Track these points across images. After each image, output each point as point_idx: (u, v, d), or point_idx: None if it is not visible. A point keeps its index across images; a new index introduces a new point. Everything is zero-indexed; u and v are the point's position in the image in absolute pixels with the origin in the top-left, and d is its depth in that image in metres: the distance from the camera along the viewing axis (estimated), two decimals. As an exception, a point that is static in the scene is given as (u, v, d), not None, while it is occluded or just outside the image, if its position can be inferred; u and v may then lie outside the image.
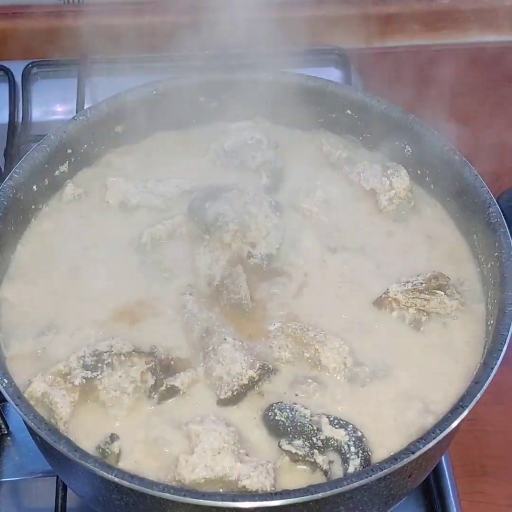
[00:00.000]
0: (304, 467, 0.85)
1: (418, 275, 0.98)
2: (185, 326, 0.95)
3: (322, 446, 0.86)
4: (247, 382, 0.89)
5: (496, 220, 0.97)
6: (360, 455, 0.85)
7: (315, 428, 0.86)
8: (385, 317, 0.96)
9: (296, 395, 0.90)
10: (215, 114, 1.15)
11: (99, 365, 0.89)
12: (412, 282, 0.97)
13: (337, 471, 0.85)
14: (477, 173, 1.01)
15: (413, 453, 0.81)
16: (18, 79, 1.46)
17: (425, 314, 0.96)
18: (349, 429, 0.87)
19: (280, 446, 0.86)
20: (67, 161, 1.07)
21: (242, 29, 1.52)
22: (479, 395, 0.85)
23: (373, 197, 1.06)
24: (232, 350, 0.90)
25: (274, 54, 1.49)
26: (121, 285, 0.99)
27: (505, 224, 0.97)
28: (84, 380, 0.88)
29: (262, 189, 1.07)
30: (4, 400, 0.87)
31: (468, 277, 1.00)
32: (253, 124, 1.13)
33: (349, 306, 0.97)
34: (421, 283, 0.96)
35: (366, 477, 0.80)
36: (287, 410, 0.88)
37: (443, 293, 0.96)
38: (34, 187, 1.03)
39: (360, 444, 0.86)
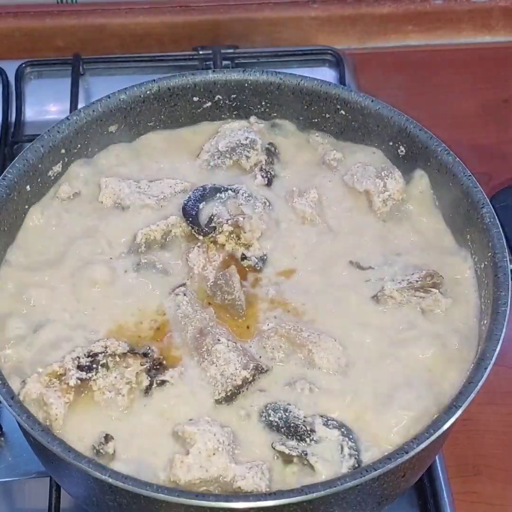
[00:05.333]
0: (298, 467, 0.85)
1: (412, 274, 0.98)
2: (179, 326, 0.95)
3: (315, 446, 0.86)
4: (241, 383, 0.89)
5: (489, 220, 0.97)
6: (353, 455, 0.85)
7: (308, 428, 0.87)
8: (381, 315, 0.96)
9: (290, 395, 0.90)
10: (208, 114, 1.14)
11: (94, 366, 0.89)
12: (407, 280, 0.97)
13: (331, 471, 0.85)
14: (470, 173, 1.01)
15: (406, 453, 0.82)
16: (11, 78, 1.45)
17: (420, 311, 0.96)
18: (342, 430, 0.87)
19: (273, 447, 0.86)
20: (61, 161, 1.07)
21: (237, 29, 1.53)
22: (473, 395, 0.85)
23: (367, 198, 1.06)
24: (226, 350, 0.90)
25: (268, 54, 1.49)
26: (115, 286, 0.98)
27: (499, 225, 0.97)
28: (78, 381, 0.88)
29: (257, 189, 1.07)
30: (-3, 401, 0.87)
31: (462, 277, 1.00)
32: (247, 124, 1.13)
33: (343, 305, 0.97)
34: (416, 281, 0.97)
35: (360, 477, 0.80)
36: (281, 411, 0.88)
37: (437, 291, 0.96)
38: (28, 187, 1.03)
39: (354, 444, 0.86)
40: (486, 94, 1.50)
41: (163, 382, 0.90)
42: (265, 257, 1.01)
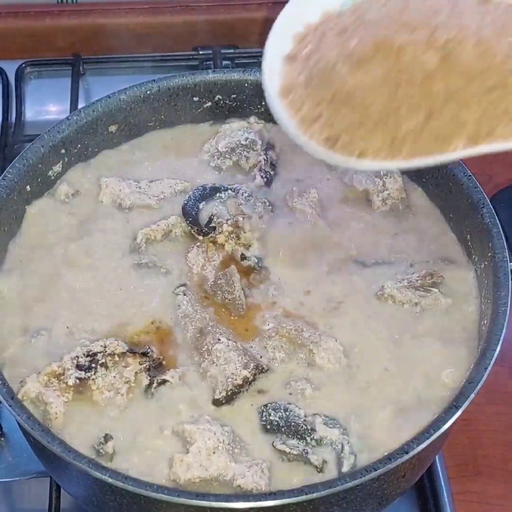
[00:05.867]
0: (298, 466, 0.85)
1: (412, 273, 0.98)
2: (179, 326, 0.95)
3: (316, 445, 0.86)
4: (241, 383, 0.89)
5: (489, 220, 0.97)
6: (354, 454, 0.85)
7: (309, 428, 0.87)
8: (381, 315, 0.96)
9: (290, 394, 0.90)
10: (208, 114, 1.15)
11: (93, 365, 0.89)
12: (407, 279, 0.97)
13: (332, 471, 0.85)
14: (470, 174, 1.01)
15: (407, 453, 0.82)
16: (11, 78, 1.45)
17: (420, 310, 0.96)
18: (343, 429, 0.87)
19: (274, 446, 0.86)
20: (61, 161, 1.07)
21: (237, 29, 1.53)
22: (473, 395, 0.85)
23: (366, 197, 1.06)
24: (226, 350, 0.90)
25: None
26: (115, 285, 0.98)
27: (499, 225, 0.97)
28: (77, 381, 0.88)
29: (256, 189, 1.07)
30: (-3, 400, 0.87)
31: (462, 277, 1.00)
32: (247, 124, 1.13)
33: (344, 304, 0.97)
34: (416, 280, 0.97)
35: (360, 477, 0.80)
36: (281, 410, 0.88)
37: (437, 290, 0.97)
38: (28, 187, 1.03)
39: (355, 443, 0.86)
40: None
41: (163, 382, 0.90)
42: (264, 257, 1.01)
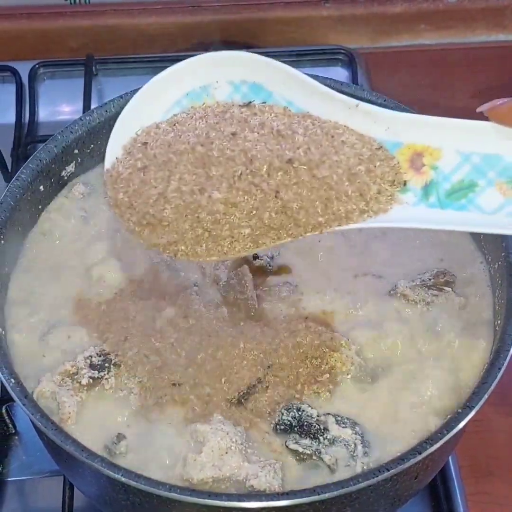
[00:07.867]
0: (311, 466, 0.85)
1: (424, 272, 0.98)
2: (191, 325, 0.95)
3: (329, 445, 0.86)
4: (254, 383, 0.89)
5: (503, 220, 0.97)
6: (367, 454, 0.85)
7: (322, 427, 0.87)
8: (394, 313, 0.96)
9: (303, 394, 0.89)
10: (221, 114, 1.14)
11: (106, 365, 0.89)
12: (420, 278, 0.97)
13: (344, 471, 0.85)
14: (483, 173, 1.01)
15: (420, 453, 0.81)
16: (25, 79, 1.46)
17: (433, 310, 0.96)
18: (356, 429, 0.87)
19: (287, 446, 0.86)
20: (74, 161, 1.07)
21: (249, 29, 1.53)
22: (486, 396, 0.84)
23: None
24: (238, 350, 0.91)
25: (280, 54, 1.49)
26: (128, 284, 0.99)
27: (512, 224, 0.96)
28: (91, 380, 0.89)
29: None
30: (11, 399, 0.87)
31: (475, 277, 0.99)
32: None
33: (356, 303, 0.97)
34: (429, 279, 0.97)
35: (373, 478, 0.80)
36: (294, 410, 0.88)
37: (450, 289, 0.96)
38: (41, 187, 1.03)
39: (368, 443, 0.86)
40: (500, 94, 1.49)
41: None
42: (276, 256, 1.01)
